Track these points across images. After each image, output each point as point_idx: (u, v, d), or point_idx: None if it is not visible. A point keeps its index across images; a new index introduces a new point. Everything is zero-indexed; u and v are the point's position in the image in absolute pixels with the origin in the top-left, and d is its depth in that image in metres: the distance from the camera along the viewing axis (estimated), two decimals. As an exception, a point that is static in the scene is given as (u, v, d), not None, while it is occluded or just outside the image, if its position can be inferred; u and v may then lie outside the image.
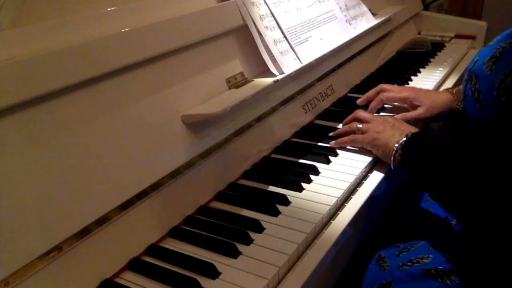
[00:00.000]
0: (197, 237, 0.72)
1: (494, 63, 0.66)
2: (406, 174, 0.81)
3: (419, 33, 1.81)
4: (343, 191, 0.80)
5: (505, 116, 0.63)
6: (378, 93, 1.11)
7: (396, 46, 1.60)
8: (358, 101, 1.14)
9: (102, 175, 0.66)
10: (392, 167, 0.85)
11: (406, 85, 1.27)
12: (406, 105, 1.09)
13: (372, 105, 1.10)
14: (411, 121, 1.01)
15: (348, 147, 0.95)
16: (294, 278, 0.64)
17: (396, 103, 1.13)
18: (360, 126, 0.93)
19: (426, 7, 1.97)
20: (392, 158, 0.83)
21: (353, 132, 0.94)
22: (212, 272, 0.63)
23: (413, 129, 0.87)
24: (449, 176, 0.67)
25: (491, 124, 0.67)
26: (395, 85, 1.15)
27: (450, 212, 0.75)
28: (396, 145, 0.83)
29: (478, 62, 0.70)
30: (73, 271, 0.61)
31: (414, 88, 1.11)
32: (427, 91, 1.11)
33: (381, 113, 1.13)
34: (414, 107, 1.06)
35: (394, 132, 0.86)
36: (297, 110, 1.07)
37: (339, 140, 0.95)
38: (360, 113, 0.97)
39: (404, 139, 0.82)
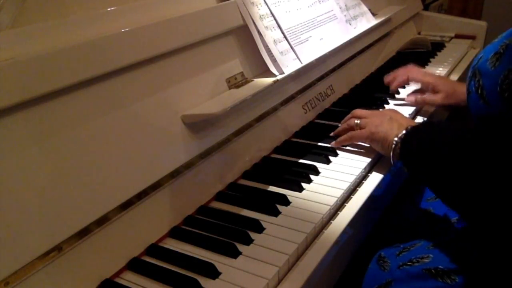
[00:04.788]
0: (197, 237, 0.72)
1: (497, 59, 0.65)
2: (405, 168, 0.81)
3: (419, 33, 1.81)
4: (343, 191, 0.79)
5: (508, 112, 0.63)
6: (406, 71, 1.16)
7: (396, 46, 1.60)
8: (385, 80, 1.21)
9: (102, 175, 0.66)
10: (391, 161, 0.84)
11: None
12: (428, 89, 1.13)
13: (397, 80, 1.17)
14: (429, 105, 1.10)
15: (348, 147, 0.95)
16: (294, 278, 0.63)
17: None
18: (358, 121, 0.93)
19: (426, 7, 1.97)
20: (391, 152, 0.83)
21: (352, 128, 0.94)
22: (212, 272, 0.63)
23: (412, 122, 0.86)
24: (449, 170, 0.67)
25: (494, 119, 0.67)
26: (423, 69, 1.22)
27: (450, 206, 0.75)
28: (396, 138, 0.82)
29: (482, 58, 0.70)
30: (73, 271, 0.61)
31: (439, 76, 1.15)
32: (450, 80, 1.17)
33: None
34: (435, 93, 1.09)
35: (392, 126, 0.86)
36: (297, 110, 1.07)
37: (338, 139, 0.95)
38: (357, 111, 0.98)
39: (404, 132, 0.82)
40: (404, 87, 1.22)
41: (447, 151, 0.68)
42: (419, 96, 1.12)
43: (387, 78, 1.21)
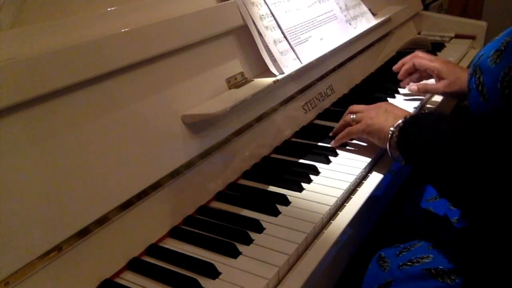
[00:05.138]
0: (197, 237, 0.72)
1: (498, 56, 0.66)
2: (402, 159, 0.80)
3: (419, 33, 1.80)
4: (343, 191, 0.79)
5: (508, 109, 0.63)
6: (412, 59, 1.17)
7: (396, 46, 1.60)
8: (394, 67, 1.23)
9: (102, 175, 0.66)
10: (389, 153, 0.84)
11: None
12: (433, 75, 1.13)
13: (404, 67, 1.18)
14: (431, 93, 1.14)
15: (348, 147, 0.95)
16: (294, 278, 0.63)
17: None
18: (354, 116, 0.93)
19: (426, 7, 1.97)
20: (388, 143, 0.83)
21: (349, 124, 0.94)
22: (212, 272, 0.63)
23: (408, 113, 0.86)
24: (447, 160, 0.67)
25: (494, 116, 0.67)
26: (430, 54, 1.20)
27: (448, 198, 0.75)
28: (392, 128, 0.82)
29: (483, 55, 0.70)
30: (73, 271, 0.61)
31: (446, 61, 1.14)
32: (457, 66, 1.15)
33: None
34: (439, 79, 1.10)
35: (387, 117, 0.85)
36: (297, 110, 1.07)
37: (337, 138, 0.95)
38: (353, 106, 0.98)
39: (401, 121, 0.81)
40: (404, 87, 1.23)
41: (447, 139, 0.68)
42: (421, 84, 1.13)
43: (395, 66, 1.22)
